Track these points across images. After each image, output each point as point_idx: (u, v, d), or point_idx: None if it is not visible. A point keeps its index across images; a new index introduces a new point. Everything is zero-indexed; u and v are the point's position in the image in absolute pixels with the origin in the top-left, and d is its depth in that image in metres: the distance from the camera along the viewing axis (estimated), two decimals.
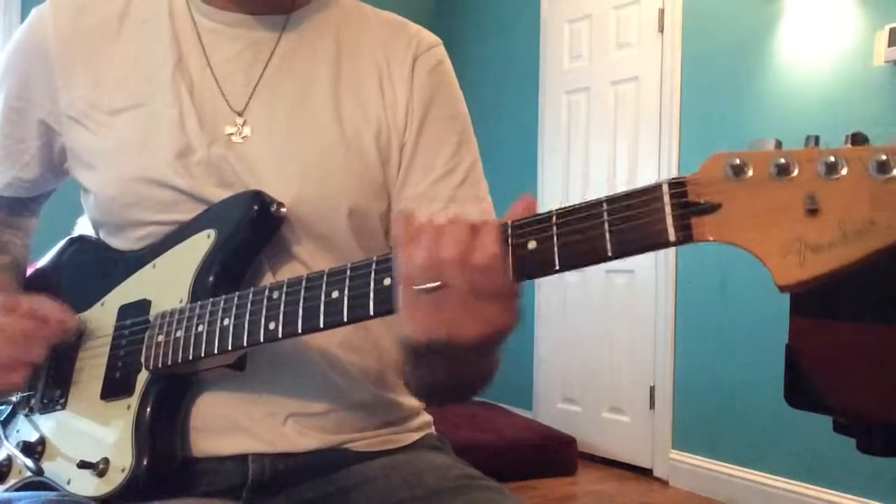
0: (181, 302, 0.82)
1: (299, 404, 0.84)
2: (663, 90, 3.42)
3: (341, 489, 0.84)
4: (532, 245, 0.59)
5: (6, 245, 0.98)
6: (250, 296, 0.75)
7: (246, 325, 0.74)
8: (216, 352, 0.76)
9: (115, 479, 0.78)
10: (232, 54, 0.88)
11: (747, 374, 3.02)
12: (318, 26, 0.92)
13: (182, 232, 0.84)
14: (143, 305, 0.85)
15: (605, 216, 0.56)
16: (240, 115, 0.86)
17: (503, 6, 4.48)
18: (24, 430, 0.91)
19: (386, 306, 0.66)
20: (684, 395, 3.33)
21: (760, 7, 3.03)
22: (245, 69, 0.88)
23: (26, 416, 0.92)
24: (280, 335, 0.72)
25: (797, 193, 0.50)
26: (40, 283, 0.97)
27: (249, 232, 0.81)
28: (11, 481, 0.88)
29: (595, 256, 0.57)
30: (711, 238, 0.53)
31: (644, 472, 3.47)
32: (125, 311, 0.87)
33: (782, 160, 0.50)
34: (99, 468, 0.79)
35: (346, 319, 0.68)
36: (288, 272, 0.83)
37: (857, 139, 0.49)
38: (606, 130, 3.73)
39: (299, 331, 0.71)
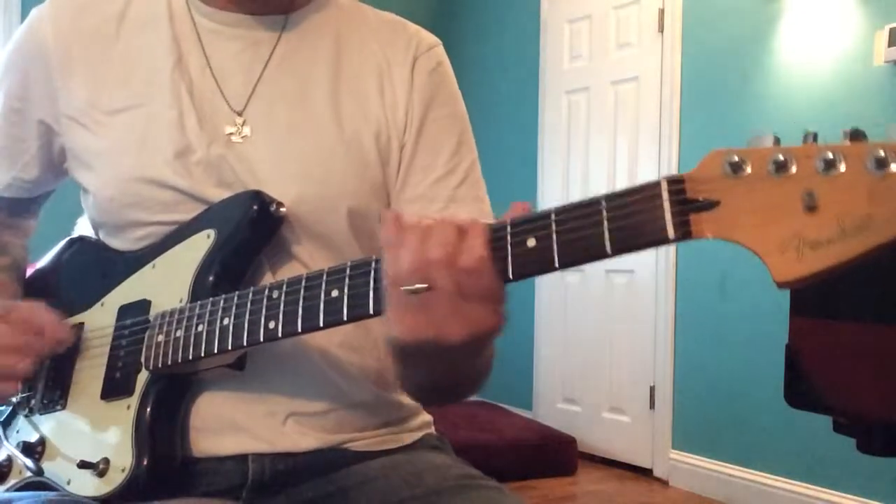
0: (181, 302, 0.82)
1: (299, 404, 0.84)
2: (663, 90, 3.42)
3: (341, 489, 0.84)
4: (531, 243, 0.59)
5: (5, 246, 0.98)
6: (250, 295, 0.75)
7: (246, 325, 0.74)
8: (216, 351, 0.76)
9: (116, 479, 0.78)
10: (231, 54, 0.88)
11: (747, 374, 3.02)
12: (317, 26, 0.92)
13: (182, 232, 0.84)
14: (143, 305, 0.85)
15: (605, 213, 0.56)
16: (239, 114, 0.86)
17: (503, 6, 4.48)
18: (24, 430, 0.91)
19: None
20: (684, 395, 3.33)
21: (760, 7, 3.03)
22: (245, 69, 0.88)
23: (26, 416, 0.92)
24: (280, 334, 0.72)
25: (795, 190, 0.50)
26: (40, 284, 0.97)
27: (249, 232, 0.81)
28: (12, 481, 0.89)
29: (594, 253, 0.57)
30: (710, 235, 0.53)
31: (644, 472, 3.47)
32: (125, 311, 0.87)
33: (780, 157, 0.50)
34: (99, 468, 0.79)
35: (345, 318, 0.68)
36: (288, 272, 0.83)
37: (856, 135, 0.49)
38: (606, 130, 3.73)
39: (299, 330, 0.71)
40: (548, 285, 4.00)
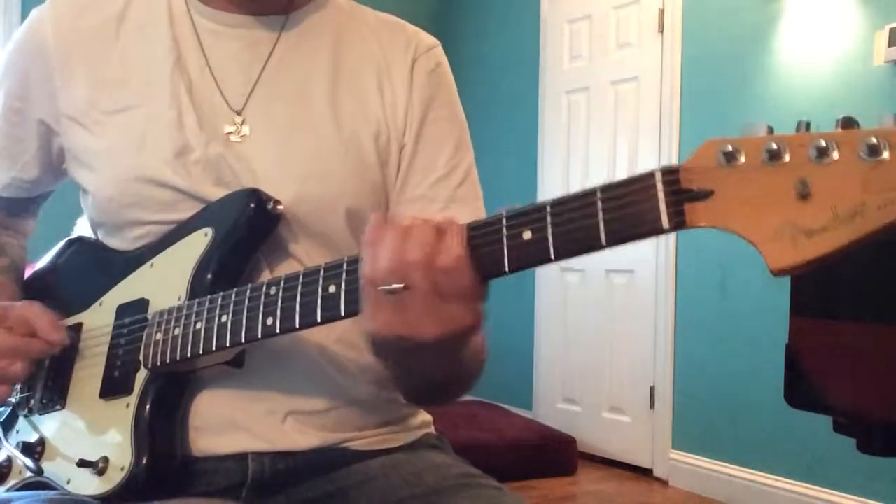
0: (179, 300, 0.82)
1: (299, 402, 0.84)
2: (663, 90, 3.42)
3: (341, 488, 0.84)
4: (527, 235, 0.59)
5: (4, 247, 0.98)
6: (248, 292, 0.75)
7: (244, 322, 0.74)
8: (214, 349, 0.76)
9: (115, 477, 0.78)
10: (231, 54, 0.88)
11: (747, 374, 3.02)
12: (316, 27, 0.92)
13: (179, 231, 0.84)
14: (142, 304, 0.85)
15: (600, 204, 0.56)
16: (238, 114, 0.86)
17: (503, 6, 4.48)
18: (24, 430, 0.91)
19: None
20: (684, 395, 3.33)
21: (760, 7, 3.03)
22: (244, 69, 0.88)
23: (25, 416, 0.92)
24: (278, 330, 0.72)
25: (789, 178, 0.50)
26: (39, 285, 0.97)
27: (246, 229, 0.81)
28: (12, 482, 0.89)
29: (589, 244, 0.57)
30: (704, 224, 0.53)
31: (644, 472, 3.47)
32: (123, 310, 0.87)
33: (774, 145, 0.51)
34: (98, 467, 0.79)
35: (343, 314, 0.68)
36: (285, 270, 0.82)
37: (848, 123, 0.50)
38: (606, 130, 3.73)
39: (297, 326, 0.71)
40: (548, 285, 4.01)
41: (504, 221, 0.61)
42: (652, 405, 3.46)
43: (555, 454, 3.48)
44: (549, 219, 0.58)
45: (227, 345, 0.76)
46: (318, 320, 0.69)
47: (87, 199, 0.90)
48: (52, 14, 0.90)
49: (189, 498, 0.81)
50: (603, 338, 3.71)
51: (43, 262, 0.99)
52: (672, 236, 3.34)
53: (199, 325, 0.78)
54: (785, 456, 2.90)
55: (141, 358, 0.81)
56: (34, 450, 0.87)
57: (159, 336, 0.80)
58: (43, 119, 0.90)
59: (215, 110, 0.86)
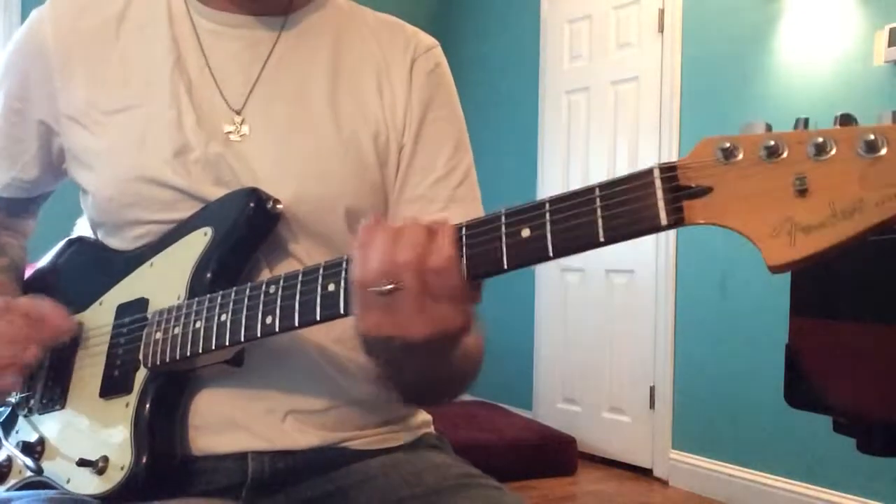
0: (179, 299, 0.82)
1: (298, 401, 0.84)
2: (663, 90, 3.42)
3: (341, 488, 0.84)
4: (526, 232, 0.59)
5: (4, 247, 0.98)
6: (247, 291, 0.75)
7: (243, 321, 0.74)
8: (214, 348, 0.76)
9: (115, 476, 0.78)
10: (230, 54, 0.88)
11: (747, 374, 3.02)
12: (316, 27, 0.92)
13: (179, 230, 0.84)
14: (141, 303, 0.85)
15: (598, 202, 0.57)
16: (238, 113, 0.86)
17: (503, 6, 4.48)
18: (24, 430, 0.91)
19: None
20: (684, 395, 3.33)
21: (760, 7, 3.03)
22: (243, 68, 0.88)
23: (25, 416, 0.92)
24: (277, 329, 0.72)
25: (787, 175, 0.50)
26: (39, 285, 0.97)
27: (246, 229, 0.81)
28: (12, 481, 0.89)
29: (587, 242, 0.57)
30: (702, 221, 0.53)
31: (644, 472, 3.47)
32: (123, 309, 0.87)
33: (772, 142, 0.51)
34: (98, 466, 0.80)
35: (342, 312, 0.68)
36: (285, 269, 0.82)
37: (846, 120, 0.50)
38: (606, 130, 3.73)
39: (296, 324, 0.71)
40: (548, 285, 4.01)
41: (503, 219, 0.61)
42: (652, 405, 3.46)
43: (555, 454, 3.48)
44: (547, 216, 0.59)
45: (227, 344, 0.76)
46: (318, 319, 0.69)
47: (86, 199, 0.90)
48: (52, 15, 0.90)
49: (189, 498, 0.81)
50: (603, 338, 3.71)
51: (43, 261, 0.99)
52: (672, 236, 3.35)
53: (198, 324, 0.78)
54: (785, 456, 2.90)
55: (141, 357, 0.82)
56: (34, 449, 0.87)
57: (159, 335, 0.81)
58: (43, 119, 0.90)
59: (215, 110, 0.86)
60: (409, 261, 0.60)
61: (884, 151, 0.47)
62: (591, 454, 3.67)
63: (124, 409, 0.81)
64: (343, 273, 0.68)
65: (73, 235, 0.98)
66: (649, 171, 0.55)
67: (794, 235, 0.49)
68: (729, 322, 3.12)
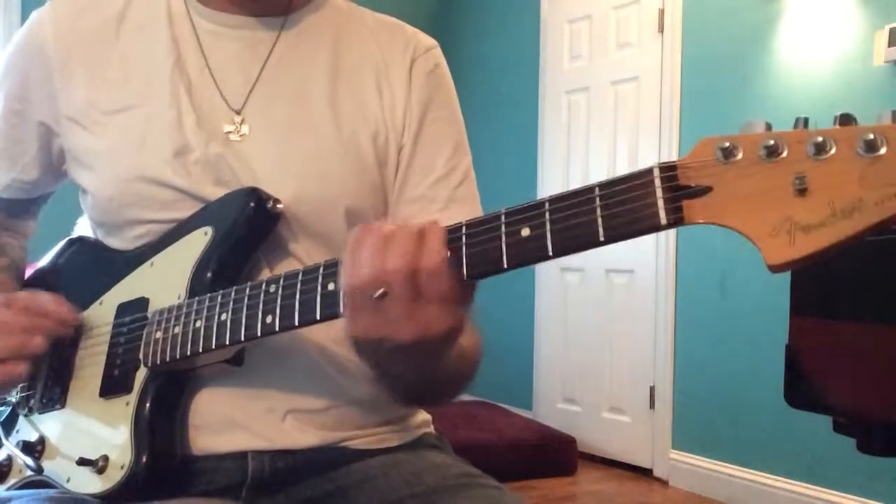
0: (179, 298, 0.82)
1: (298, 400, 0.84)
2: (663, 90, 3.42)
3: (341, 487, 0.84)
4: (526, 232, 0.60)
5: (4, 247, 0.98)
6: (247, 290, 0.75)
7: (243, 320, 0.74)
8: (214, 347, 0.76)
9: (115, 476, 0.78)
10: (230, 54, 0.89)
11: (747, 374, 3.02)
12: (315, 27, 0.92)
13: (179, 230, 0.85)
14: (142, 303, 0.85)
15: (598, 201, 0.57)
16: (238, 113, 0.87)
17: (503, 6, 4.48)
18: (24, 429, 0.91)
19: None
20: (684, 395, 3.33)
21: (760, 7, 3.03)
22: (243, 69, 0.88)
23: (26, 416, 0.92)
24: (277, 328, 0.72)
25: (786, 174, 0.50)
26: (39, 284, 0.97)
27: (246, 228, 0.81)
28: (12, 480, 0.89)
29: (587, 241, 0.57)
30: (702, 220, 0.53)
31: (644, 472, 3.47)
32: (123, 308, 0.87)
33: (771, 142, 0.51)
34: (98, 465, 0.80)
35: (341, 311, 0.68)
36: (285, 269, 0.83)
37: (845, 120, 0.50)
38: (606, 130, 3.73)
39: (296, 324, 0.71)
40: (548, 285, 4.01)
41: (503, 218, 0.61)
42: (652, 405, 3.46)
43: (555, 454, 3.48)
44: (547, 216, 0.59)
45: (227, 343, 0.76)
46: (318, 318, 0.69)
47: (86, 199, 0.90)
48: (52, 16, 0.90)
49: (189, 498, 0.81)
50: (603, 338, 3.71)
51: (43, 261, 0.99)
52: (672, 236, 3.35)
53: (198, 324, 0.78)
54: (785, 456, 2.90)
55: (141, 356, 0.82)
56: (34, 448, 0.87)
57: (159, 334, 0.81)
58: (43, 120, 0.90)
59: (215, 110, 0.86)
60: (398, 268, 0.61)
61: (883, 151, 0.47)
62: (591, 454, 3.67)
63: (124, 408, 0.81)
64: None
65: (74, 235, 0.99)
66: (649, 171, 0.55)
67: (793, 235, 0.49)
68: (729, 322, 3.12)
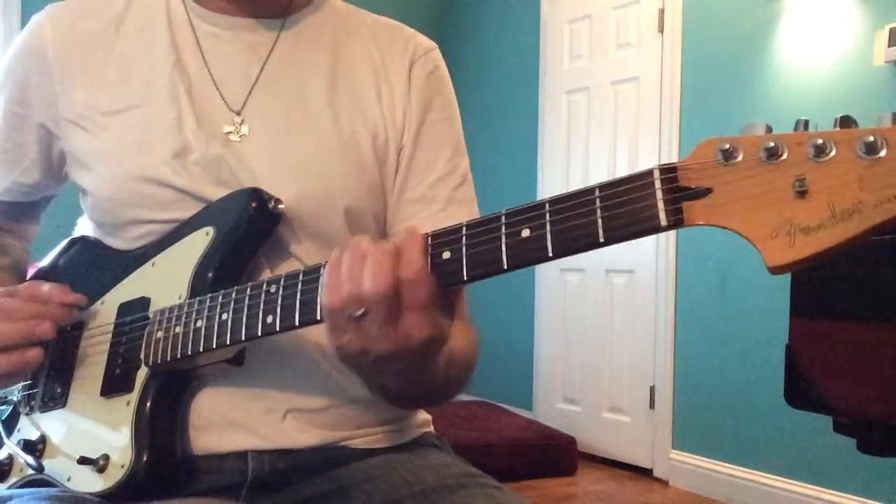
0: (180, 298, 0.82)
1: (298, 400, 0.84)
2: (663, 90, 3.42)
3: (341, 487, 0.84)
4: (526, 233, 0.60)
5: (6, 248, 0.99)
6: (248, 290, 0.75)
7: (244, 320, 0.74)
8: (215, 346, 0.77)
9: (115, 475, 0.79)
10: (230, 55, 0.89)
11: (747, 374, 3.03)
12: (314, 29, 0.93)
13: (181, 230, 0.85)
14: (143, 303, 0.85)
15: (598, 202, 0.57)
16: (238, 114, 0.87)
17: (503, 6, 4.48)
18: (25, 428, 0.91)
19: None
20: (684, 395, 3.33)
21: (760, 7, 3.03)
22: (243, 70, 0.88)
23: (27, 415, 0.92)
24: (278, 328, 0.72)
25: (786, 176, 0.50)
26: None
27: (248, 228, 0.81)
28: (13, 479, 0.89)
29: (587, 242, 0.57)
30: (702, 222, 0.54)
31: (644, 472, 3.47)
32: (125, 308, 0.87)
33: (771, 144, 0.51)
34: (99, 464, 0.80)
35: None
36: (286, 269, 0.83)
37: (845, 122, 0.50)
38: (606, 130, 3.73)
39: (296, 324, 0.71)
40: (548, 285, 4.01)
41: (503, 219, 0.61)
42: (652, 405, 3.46)
43: (555, 454, 3.48)
44: (547, 217, 0.59)
45: (228, 343, 0.76)
46: (318, 318, 0.69)
47: (86, 200, 0.91)
48: (52, 19, 0.90)
49: (189, 498, 0.81)
50: (603, 338, 3.71)
51: (45, 261, 0.99)
52: (672, 236, 3.35)
53: (199, 323, 0.78)
54: (785, 456, 2.90)
55: (142, 356, 0.82)
56: (35, 447, 0.87)
57: (160, 334, 0.81)
58: (43, 123, 0.91)
59: (214, 111, 0.87)
60: (375, 289, 0.62)
61: (883, 153, 0.48)
62: (591, 454, 3.67)
63: (125, 407, 0.81)
64: None
65: (75, 235, 0.99)
66: (649, 172, 0.55)
67: (793, 236, 0.50)
68: (729, 322, 3.12)
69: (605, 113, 3.75)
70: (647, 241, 3.40)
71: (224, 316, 0.76)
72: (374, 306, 0.62)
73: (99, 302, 0.90)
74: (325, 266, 0.69)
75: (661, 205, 0.54)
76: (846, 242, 0.48)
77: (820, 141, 0.49)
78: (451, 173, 0.91)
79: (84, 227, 0.96)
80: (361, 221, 0.88)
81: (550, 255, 0.59)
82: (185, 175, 0.84)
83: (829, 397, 1.39)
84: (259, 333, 0.74)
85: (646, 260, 3.48)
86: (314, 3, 0.94)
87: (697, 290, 3.26)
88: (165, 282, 0.84)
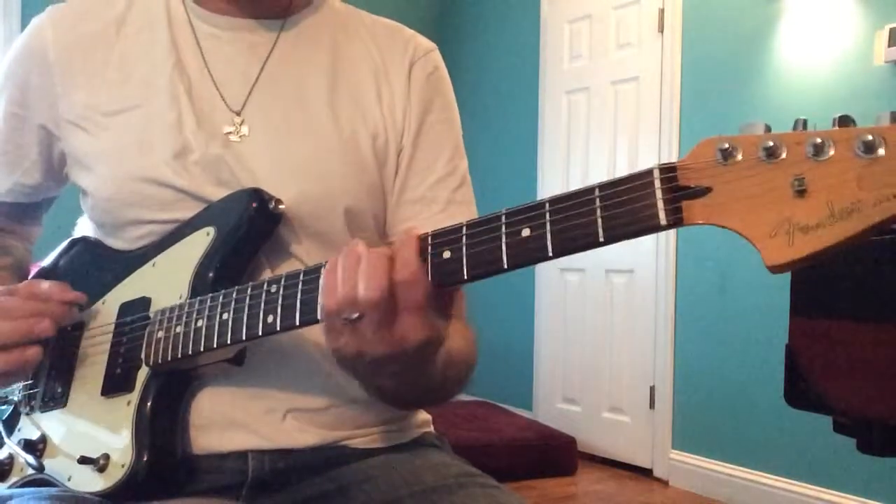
0: (181, 298, 0.82)
1: (299, 400, 0.85)
2: (663, 90, 3.43)
3: (341, 487, 0.84)
4: (526, 232, 0.60)
5: (9, 249, 0.99)
6: (249, 290, 0.76)
7: (245, 319, 0.75)
8: (215, 346, 0.77)
9: (116, 474, 0.79)
10: (229, 56, 0.89)
11: (747, 374, 3.03)
12: (314, 30, 0.93)
13: (182, 230, 0.85)
14: (144, 303, 0.85)
15: (598, 202, 0.57)
16: (238, 114, 0.87)
17: (503, 6, 4.48)
18: (26, 428, 0.91)
19: None
20: (684, 395, 3.33)
21: (760, 7, 3.03)
22: (243, 70, 0.89)
23: (27, 414, 0.92)
24: (278, 328, 0.72)
25: (785, 175, 0.50)
26: None
27: (248, 229, 0.81)
28: (13, 479, 0.89)
29: (587, 241, 0.58)
30: (701, 221, 0.54)
31: (644, 472, 3.48)
32: (126, 308, 0.87)
33: (770, 143, 0.51)
34: (99, 464, 0.80)
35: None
36: (286, 269, 0.83)
37: (844, 121, 0.50)
38: (606, 130, 3.73)
39: (297, 323, 0.71)
40: (548, 285, 4.01)
41: (503, 219, 0.61)
42: (652, 405, 3.46)
43: (555, 454, 3.48)
44: (547, 216, 0.59)
45: (228, 342, 0.76)
46: (319, 318, 0.70)
47: (87, 200, 0.91)
48: (53, 21, 0.91)
49: (188, 498, 0.81)
50: (603, 338, 3.71)
51: (46, 261, 0.99)
52: (672, 236, 3.35)
53: (200, 323, 0.78)
54: (785, 456, 2.90)
55: (143, 356, 0.82)
56: (36, 447, 0.87)
57: (161, 334, 0.81)
58: (44, 124, 0.91)
59: (214, 111, 0.87)
60: (370, 293, 0.62)
61: (882, 152, 0.48)
62: (591, 454, 3.67)
63: (126, 407, 0.81)
64: None
65: (76, 236, 0.99)
66: (649, 172, 0.55)
67: (792, 235, 0.50)
68: (729, 322, 3.12)
69: (605, 113, 3.75)
70: (647, 241, 3.40)
71: (225, 315, 0.76)
72: (369, 309, 0.62)
73: (100, 302, 0.90)
74: (325, 265, 0.69)
75: (660, 204, 0.54)
76: (845, 241, 0.48)
77: (819, 140, 0.49)
78: (450, 174, 0.92)
79: (84, 228, 0.97)
80: (361, 222, 0.88)
81: (550, 254, 0.59)
82: (185, 175, 0.84)
83: (829, 397, 1.39)
84: (260, 333, 0.74)
85: (646, 260, 3.48)
86: (314, 3, 0.95)
87: (697, 290, 3.26)
88: (166, 282, 0.84)
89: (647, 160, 3.50)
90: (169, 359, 0.80)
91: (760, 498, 2.98)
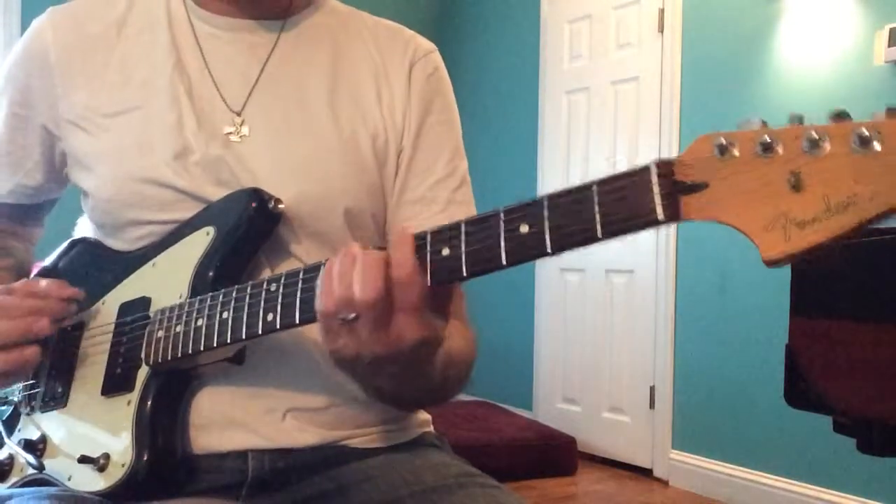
0: (181, 298, 0.82)
1: (298, 399, 0.85)
2: (663, 90, 3.43)
3: (340, 486, 0.84)
4: (524, 229, 0.60)
5: (10, 250, 0.99)
6: (248, 289, 0.76)
7: (245, 318, 0.75)
8: (215, 345, 0.77)
9: (116, 474, 0.79)
10: (230, 57, 0.89)
11: (747, 374, 3.03)
12: (314, 30, 0.93)
13: (181, 230, 0.85)
14: (144, 302, 0.85)
15: (596, 197, 0.57)
16: (238, 114, 0.87)
17: (503, 6, 4.48)
18: (26, 428, 0.91)
19: None
20: (684, 395, 3.33)
21: (760, 7, 3.03)
22: (243, 70, 0.89)
23: (27, 414, 0.92)
24: (278, 326, 0.72)
25: (782, 170, 0.51)
26: None
27: (248, 228, 0.81)
28: (14, 478, 0.89)
29: (585, 237, 0.58)
30: (698, 216, 0.54)
31: (644, 472, 3.48)
32: (126, 308, 0.87)
33: (767, 138, 0.51)
34: (99, 463, 0.80)
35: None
36: (286, 269, 0.83)
37: (839, 116, 0.50)
38: (606, 130, 3.73)
39: (297, 321, 0.71)
40: (548, 285, 4.01)
41: (502, 216, 0.61)
42: (652, 405, 3.46)
43: (555, 454, 3.48)
44: (546, 212, 0.59)
45: (228, 341, 0.76)
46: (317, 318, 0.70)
47: (87, 201, 0.91)
48: (53, 23, 0.91)
49: (188, 498, 0.81)
50: (603, 338, 3.71)
51: (47, 262, 0.99)
52: (672, 236, 3.35)
53: (200, 322, 0.78)
54: (785, 456, 2.91)
55: (143, 355, 0.82)
56: (36, 447, 0.87)
57: (161, 333, 0.81)
58: (45, 125, 0.91)
59: (215, 111, 0.87)
60: (365, 293, 0.62)
61: (877, 146, 0.48)
62: (591, 454, 3.68)
63: (126, 406, 0.82)
64: None
65: (76, 236, 0.99)
66: (646, 167, 0.56)
67: (788, 230, 0.50)
68: (729, 322, 3.12)
69: (605, 113, 3.75)
70: (647, 241, 3.41)
71: (225, 315, 0.76)
72: (365, 309, 0.63)
73: (100, 302, 0.90)
74: (324, 265, 0.69)
75: (657, 199, 0.55)
76: (841, 235, 0.49)
77: (814, 135, 0.50)
78: (450, 175, 0.92)
79: (84, 228, 0.97)
80: (361, 222, 0.88)
81: (549, 250, 0.59)
82: (185, 176, 0.84)
83: (829, 397, 1.39)
84: (260, 332, 0.74)
85: (646, 260, 3.48)
86: (314, 4, 0.95)
87: (697, 290, 3.26)
88: (166, 282, 0.84)
89: (647, 160, 3.48)
90: (169, 358, 0.80)
91: (760, 498, 2.98)
